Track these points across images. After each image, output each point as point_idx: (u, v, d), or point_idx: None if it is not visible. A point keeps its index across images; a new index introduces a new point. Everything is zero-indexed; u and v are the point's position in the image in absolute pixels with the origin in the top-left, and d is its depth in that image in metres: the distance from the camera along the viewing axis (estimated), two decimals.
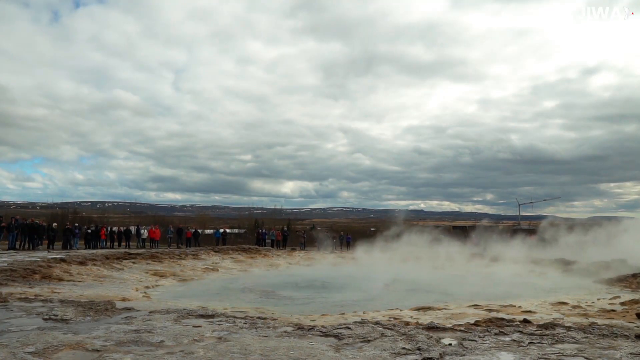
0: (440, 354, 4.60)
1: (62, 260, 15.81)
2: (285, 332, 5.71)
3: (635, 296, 11.85)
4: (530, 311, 9.43)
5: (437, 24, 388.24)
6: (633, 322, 7.70)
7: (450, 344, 5.06)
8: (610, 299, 11.66)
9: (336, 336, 5.43)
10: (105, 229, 25.30)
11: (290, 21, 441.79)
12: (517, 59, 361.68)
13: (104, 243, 24.55)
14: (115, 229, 26.77)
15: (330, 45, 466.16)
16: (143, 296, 11.82)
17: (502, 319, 7.27)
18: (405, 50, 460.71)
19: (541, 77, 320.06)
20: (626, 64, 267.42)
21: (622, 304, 10.45)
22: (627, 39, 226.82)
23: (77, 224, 25.59)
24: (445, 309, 10.08)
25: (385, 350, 4.75)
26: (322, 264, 25.37)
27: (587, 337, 5.46)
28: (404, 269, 21.99)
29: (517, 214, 74.63)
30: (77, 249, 22.23)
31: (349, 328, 5.84)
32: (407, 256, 25.99)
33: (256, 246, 29.23)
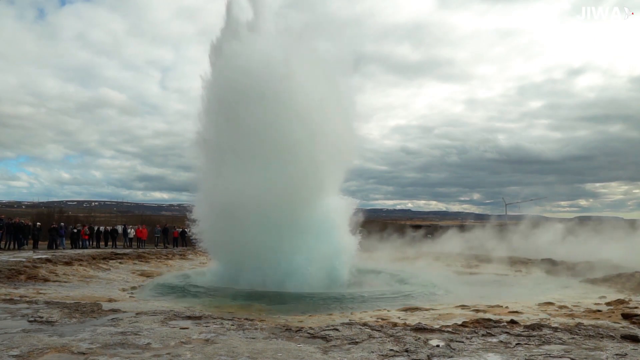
0: (428, 355, 4.61)
1: (48, 260, 15.63)
2: (272, 333, 5.69)
3: (621, 296, 11.98)
4: (517, 311, 9.48)
5: (424, 24, 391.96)
6: (619, 323, 7.79)
7: (437, 346, 5.06)
8: (596, 299, 11.79)
9: (324, 338, 5.41)
10: (85, 229, 24.56)
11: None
12: (503, 60, 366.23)
13: (87, 243, 24.11)
14: (102, 228, 26.43)
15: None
16: (130, 297, 11.71)
17: (489, 320, 7.32)
18: (393, 50, 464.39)
19: (527, 77, 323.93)
20: (610, 65, 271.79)
21: (608, 304, 10.56)
22: (611, 40, 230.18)
23: (62, 224, 25.24)
24: (433, 309, 10.11)
25: (373, 352, 4.75)
26: None
27: (573, 337, 5.50)
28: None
29: (504, 213, 75.41)
30: (64, 248, 21.94)
31: (337, 330, 5.83)
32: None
33: None
